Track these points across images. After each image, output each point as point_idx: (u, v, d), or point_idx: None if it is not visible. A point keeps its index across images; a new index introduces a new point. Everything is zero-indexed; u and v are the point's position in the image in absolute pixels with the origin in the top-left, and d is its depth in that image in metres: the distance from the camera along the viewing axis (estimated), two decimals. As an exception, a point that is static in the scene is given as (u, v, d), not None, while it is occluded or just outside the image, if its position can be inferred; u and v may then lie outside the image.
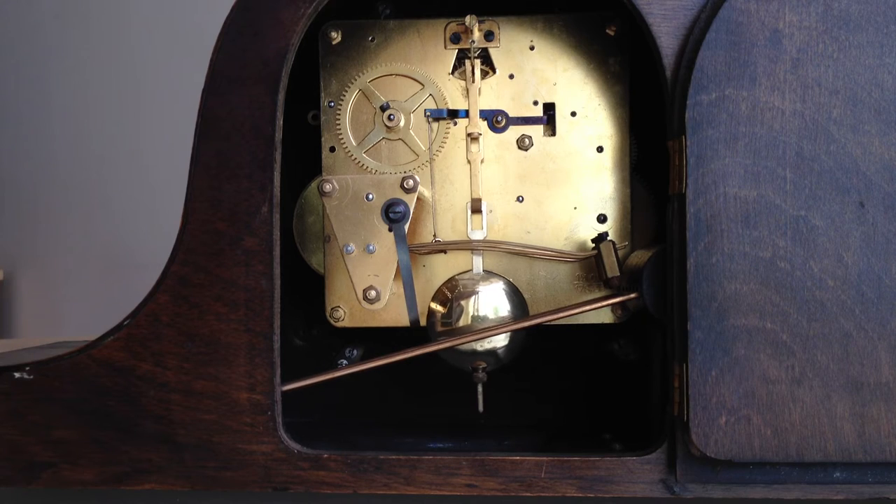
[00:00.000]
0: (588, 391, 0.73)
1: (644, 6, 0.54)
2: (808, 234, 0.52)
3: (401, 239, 0.63)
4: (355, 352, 0.71)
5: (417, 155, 0.66)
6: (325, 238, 0.67)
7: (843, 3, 0.52)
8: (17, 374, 0.59)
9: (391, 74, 0.66)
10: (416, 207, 0.64)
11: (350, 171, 0.66)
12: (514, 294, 0.65)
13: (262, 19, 0.57)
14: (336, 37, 0.66)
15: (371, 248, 0.64)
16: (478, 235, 0.65)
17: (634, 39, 0.63)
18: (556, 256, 0.65)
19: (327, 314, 0.67)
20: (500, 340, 0.64)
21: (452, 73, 0.66)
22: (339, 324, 0.67)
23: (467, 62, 0.65)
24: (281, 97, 0.56)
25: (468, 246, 0.65)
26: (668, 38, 0.54)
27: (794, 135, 0.52)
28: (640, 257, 0.62)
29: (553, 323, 0.63)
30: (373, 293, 0.64)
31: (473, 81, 0.65)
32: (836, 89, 0.52)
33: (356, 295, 0.64)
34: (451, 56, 0.66)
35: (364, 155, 0.66)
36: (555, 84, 0.65)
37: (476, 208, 0.65)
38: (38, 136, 1.85)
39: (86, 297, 1.82)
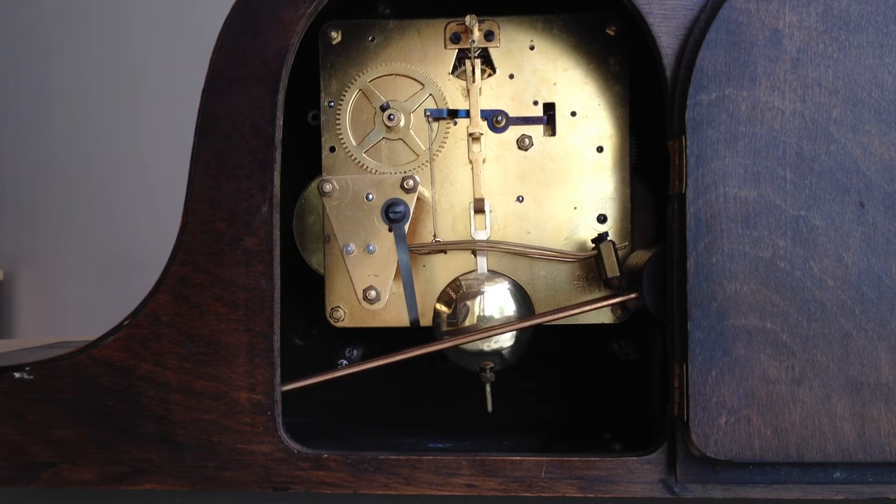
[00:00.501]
0: (588, 391, 0.73)
1: (644, 6, 0.54)
2: (808, 234, 0.52)
3: (401, 239, 0.63)
4: (355, 352, 0.71)
5: (417, 155, 0.66)
6: (325, 238, 0.67)
7: (843, 3, 0.52)
8: (17, 374, 0.59)
9: (391, 74, 0.66)
10: (416, 207, 0.64)
11: (350, 171, 0.66)
12: (520, 293, 0.65)
13: (262, 19, 0.57)
14: (336, 37, 0.66)
15: (371, 248, 0.64)
16: (481, 235, 0.65)
17: (634, 39, 0.63)
18: (556, 256, 0.65)
19: (327, 314, 0.67)
20: (506, 340, 0.64)
21: (452, 73, 0.66)
22: (339, 324, 0.67)
23: (467, 62, 0.65)
24: (281, 97, 0.56)
25: (468, 246, 0.65)
26: (668, 38, 0.54)
27: (794, 135, 0.52)
28: (640, 257, 0.62)
29: (553, 323, 0.63)
30: (373, 293, 0.64)
31: (474, 81, 0.65)
32: (836, 89, 0.52)
33: (356, 295, 0.64)
34: (451, 56, 0.66)
35: (364, 155, 0.66)
36: (555, 84, 0.65)
37: (479, 208, 0.65)
38: (38, 136, 1.85)
39: (86, 297, 1.82)
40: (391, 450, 0.58)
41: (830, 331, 0.52)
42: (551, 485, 0.56)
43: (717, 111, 0.52)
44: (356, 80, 0.66)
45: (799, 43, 0.52)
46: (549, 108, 0.66)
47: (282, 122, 0.57)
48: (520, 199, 0.66)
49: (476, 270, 0.66)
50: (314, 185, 0.69)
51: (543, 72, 0.65)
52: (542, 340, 0.70)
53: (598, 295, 0.65)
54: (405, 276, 0.64)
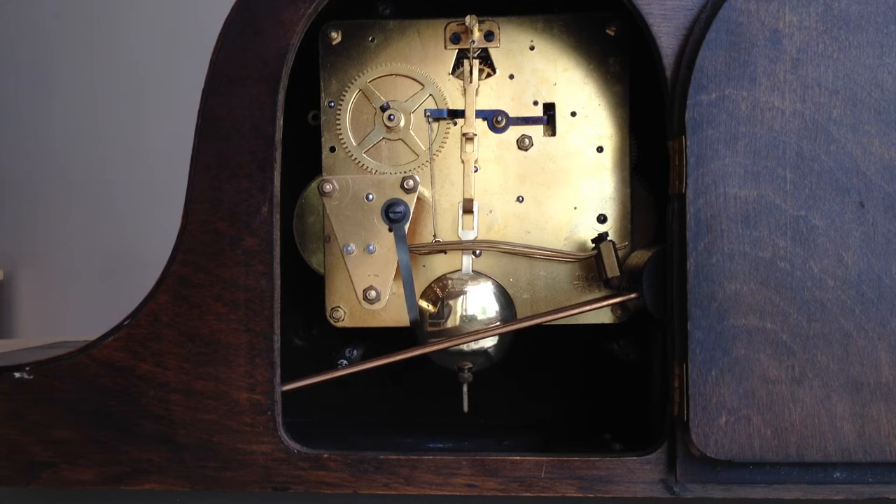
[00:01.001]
0: (588, 391, 0.73)
1: (644, 6, 0.54)
2: (808, 234, 0.52)
3: (401, 239, 0.63)
4: (355, 352, 0.71)
5: (417, 155, 0.66)
6: (325, 238, 0.67)
7: (843, 3, 0.52)
8: (17, 374, 0.59)
9: (391, 74, 0.66)
10: (416, 207, 0.64)
11: (350, 171, 0.66)
12: (502, 295, 0.65)
13: (262, 19, 0.57)
14: (336, 37, 0.66)
15: (371, 248, 0.64)
16: (468, 236, 0.65)
17: (634, 39, 0.63)
18: (556, 256, 0.65)
19: (327, 314, 0.67)
20: (488, 340, 0.64)
21: (452, 73, 0.66)
22: (339, 324, 0.67)
23: (466, 62, 0.65)
24: (281, 97, 0.56)
25: (468, 246, 0.65)
26: (668, 38, 0.54)
27: (794, 135, 0.52)
28: (640, 257, 0.62)
29: (553, 323, 0.63)
30: (373, 293, 0.64)
31: (471, 82, 0.65)
32: (836, 89, 0.52)
33: (356, 295, 0.64)
34: (452, 56, 0.66)
35: (364, 155, 0.66)
36: (555, 84, 0.65)
37: (468, 208, 0.65)
38: (39, 136, 1.85)
39: (86, 297, 1.82)
40: (391, 450, 0.58)
41: (830, 331, 0.52)
42: (551, 485, 0.56)
43: (717, 111, 0.52)
44: (356, 80, 0.66)
45: (799, 43, 0.52)
46: (549, 109, 0.66)
47: (282, 122, 0.57)
48: (520, 199, 0.66)
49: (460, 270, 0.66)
50: (314, 185, 0.69)
51: (543, 72, 0.65)
52: (542, 340, 0.71)
53: (598, 295, 0.65)
54: (405, 276, 0.64)
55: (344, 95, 0.66)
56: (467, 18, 0.64)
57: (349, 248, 0.64)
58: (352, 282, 0.64)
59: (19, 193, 1.86)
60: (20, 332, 1.87)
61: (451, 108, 0.66)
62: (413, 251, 0.65)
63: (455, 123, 0.66)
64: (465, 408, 0.65)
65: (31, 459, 0.59)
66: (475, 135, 0.65)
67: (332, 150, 0.67)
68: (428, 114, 0.65)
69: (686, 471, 0.55)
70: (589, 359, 0.73)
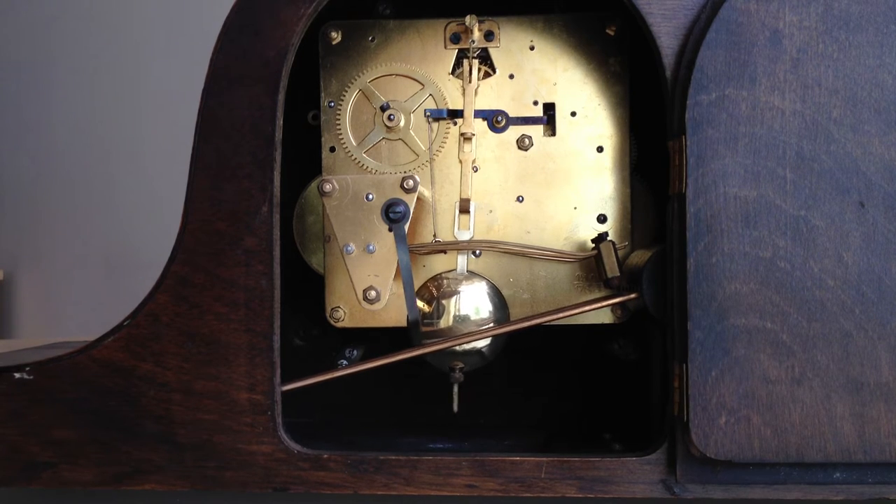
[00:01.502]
0: (588, 391, 0.73)
1: (644, 6, 0.54)
2: (808, 234, 0.52)
3: (401, 239, 0.63)
4: (355, 352, 0.71)
5: (417, 155, 0.66)
6: (325, 238, 0.67)
7: (843, 3, 0.52)
8: (17, 374, 0.59)
9: (391, 74, 0.66)
10: (416, 207, 0.64)
11: (350, 171, 0.66)
12: (496, 295, 0.65)
13: (262, 19, 0.57)
14: (336, 37, 0.66)
15: (371, 248, 0.64)
16: (464, 236, 0.65)
17: (634, 39, 0.63)
18: (556, 256, 0.65)
19: (327, 314, 0.67)
20: (479, 340, 0.64)
21: (452, 73, 0.66)
22: (339, 324, 0.67)
23: (465, 62, 0.65)
24: (281, 97, 0.56)
25: (468, 246, 0.65)
26: (668, 38, 0.54)
27: (794, 135, 0.52)
28: (640, 257, 0.62)
29: (553, 323, 0.63)
30: (373, 293, 0.64)
31: (470, 82, 0.65)
32: (836, 89, 0.52)
33: (356, 295, 0.64)
34: (452, 56, 0.66)
35: (364, 155, 0.66)
36: (555, 84, 0.65)
37: (464, 208, 0.65)
38: (39, 137, 1.85)
39: (86, 297, 1.82)
40: (391, 450, 0.58)
41: (830, 331, 0.52)
42: (551, 485, 0.56)
43: (717, 111, 0.52)
44: (356, 80, 0.66)
45: (799, 43, 0.52)
46: (549, 108, 0.66)
47: (282, 122, 0.57)
48: (520, 199, 0.66)
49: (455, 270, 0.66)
50: (314, 185, 0.69)
51: (543, 72, 0.65)
52: (542, 340, 0.70)
53: (598, 295, 0.65)
54: (405, 276, 0.64)
55: (344, 95, 0.66)
56: (467, 18, 0.64)
57: (349, 248, 0.64)
58: (352, 282, 0.64)
59: (19, 193, 1.86)
60: (20, 332, 1.87)
61: (450, 108, 0.66)
62: (413, 251, 0.65)
63: (455, 123, 0.66)
64: (455, 408, 0.65)
65: (31, 459, 0.59)
66: (473, 135, 0.65)
67: (332, 150, 0.67)
68: (428, 114, 0.65)
69: (686, 471, 0.55)
70: (589, 359, 0.73)
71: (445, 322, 0.64)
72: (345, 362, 0.70)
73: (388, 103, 0.65)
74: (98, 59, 1.81)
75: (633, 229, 0.66)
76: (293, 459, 0.57)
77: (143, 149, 1.79)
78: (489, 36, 0.66)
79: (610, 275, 0.62)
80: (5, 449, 0.59)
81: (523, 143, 0.65)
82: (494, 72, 0.66)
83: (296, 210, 0.70)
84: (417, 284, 0.66)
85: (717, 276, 0.52)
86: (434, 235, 0.66)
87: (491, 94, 0.66)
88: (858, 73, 0.52)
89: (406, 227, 0.63)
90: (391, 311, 0.66)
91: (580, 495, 0.56)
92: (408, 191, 0.63)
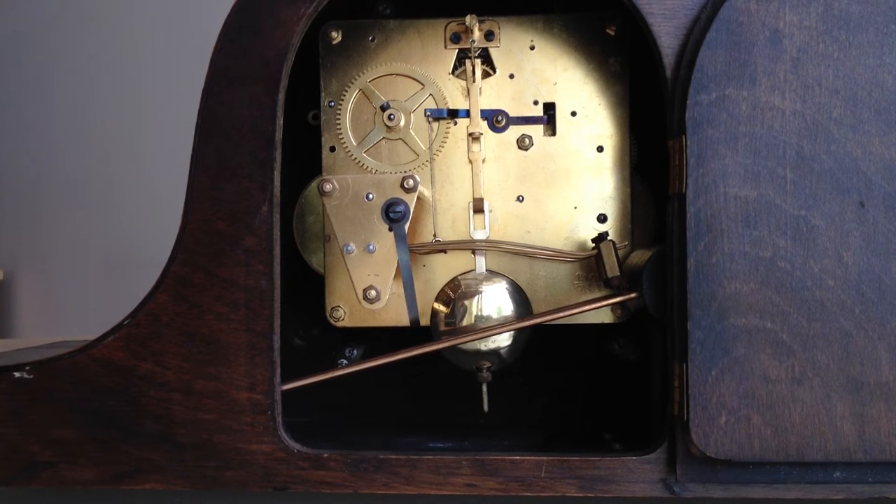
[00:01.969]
0: (588, 391, 0.73)
1: (644, 6, 0.54)
2: (808, 233, 0.52)
3: (401, 239, 0.63)
4: (355, 352, 0.71)
5: (417, 155, 0.66)
6: (325, 238, 0.67)
7: (843, 3, 0.52)
8: (17, 374, 0.59)
9: (391, 74, 0.66)
10: (416, 207, 0.64)
11: (350, 171, 0.66)
12: (518, 293, 0.65)
13: (262, 19, 0.57)
14: (336, 37, 0.66)
15: (371, 247, 0.64)
16: (480, 235, 0.65)
17: (634, 39, 0.63)
18: (556, 256, 0.65)
19: (327, 314, 0.67)
20: (503, 340, 0.64)
21: (453, 72, 0.66)
22: (339, 324, 0.67)
23: (468, 62, 0.65)
24: (281, 97, 0.56)
25: (468, 246, 0.65)
26: (668, 38, 0.54)
27: (794, 135, 0.52)
28: (640, 257, 0.62)
29: (553, 323, 0.63)
30: (373, 293, 0.64)
31: (474, 81, 0.65)
32: (837, 89, 0.52)
33: (356, 295, 0.64)
34: (452, 56, 0.66)
35: (364, 155, 0.66)
36: (555, 84, 0.65)
37: (478, 208, 0.65)
38: (39, 137, 1.85)
39: (86, 297, 1.82)
40: (391, 450, 0.58)
41: (830, 331, 0.52)
42: (551, 485, 0.56)
43: (717, 111, 0.52)
44: (356, 80, 0.66)
45: (799, 43, 0.52)
46: (550, 108, 0.66)
47: (282, 122, 0.57)
48: (520, 199, 0.66)
49: (475, 270, 0.66)
50: (314, 185, 0.69)
51: (543, 72, 0.65)
52: (542, 340, 0.70)
53: (598, 295, 0.65)
54: (405, 276, 0.64)
55: (344, 95, 0.66)
56: (467, 18, 0.64)
57: (349, 248, 0.64)
58: (352, 282, 0.64)
59: (19, 193, 1.86)
60: (20, 332, 1.87)
61: (451, 107, 0.66)
62: (413, 251, 0.65)
63: (455, 123, 0.66)
64: (486, 407, 0.65)
65: (31, 459, 0.59)
66: (482, 134, 0.65)
67: (332, 149, 0.67)
68: (428, 113, 0.65)
69: (686, 470, 0.55)
70: (589, 358, 0.73)
71: (468, 321, 0.64)
72: (345, 362, 0.70)
73: (388, 103, 0.65)
74: (98, 59, 1.81)
75: (633, 229, 0.66)
76: (293, 459, 0.57)
77: (143, 149, 1.79)
78: (489, 36, 0.66)
79: (610, 275, 0.62)
80: (5, 449, 0.59)
81: (523, 143, 0.65)
82: (494, 72, 0.66)
83: (296, 210, 0.70)
84: (417, 284, 0.66)
85: (717, 276, 0.52)
86: (434, 235, 0.66)
87: (491, 93, 0.66)
88: (858, 73, 0.52)
89: (406, 226, 0.63)
90: (391, 310, 0.66)
91: (580, 494, 0.56)
92: (408, 190, 0.63)
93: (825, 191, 0.52)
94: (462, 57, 0.66)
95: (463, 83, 0.66)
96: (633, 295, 0.59)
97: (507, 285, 0.65)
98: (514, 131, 0.66)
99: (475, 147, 0.65)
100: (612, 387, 0.72)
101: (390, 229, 0.63)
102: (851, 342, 0.52)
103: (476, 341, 0.63)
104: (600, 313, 0.66)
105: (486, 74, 0.66)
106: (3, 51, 1.85)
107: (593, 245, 0.64)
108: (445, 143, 0.66)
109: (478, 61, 0.65)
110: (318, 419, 0.73)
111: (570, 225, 0.66)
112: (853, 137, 0.52)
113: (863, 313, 0.52)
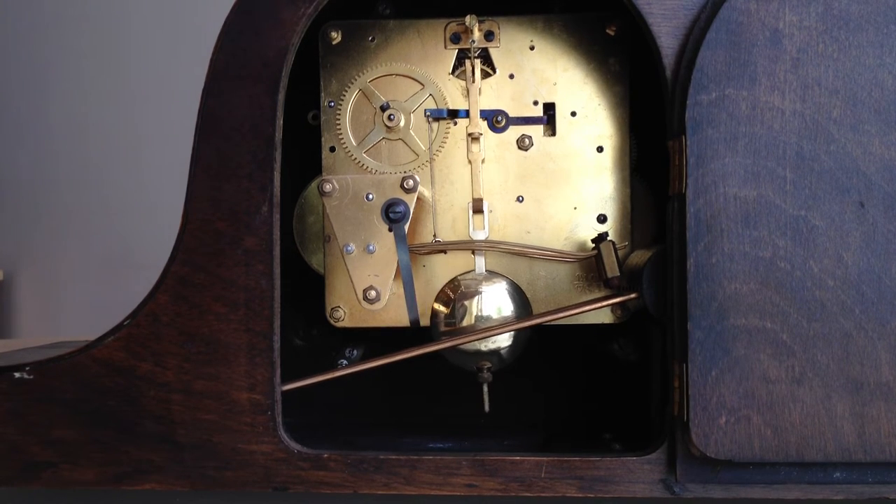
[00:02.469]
0: (588, 391, 0.73)
1: (644, 6, 0.54)
2: (808, 234, 0.52)
3: (401, 239, 0.63)
4: (355, 352, 0.71)
5: (417, 155, 0.66)
6: (325, 238, 0.67)
7: (843, 3, 0.52)
8: (17, 374, 0.59)
9: (391, 74, 0.66)
10: (416, 207, 0.64)
11: (350, 171, 0.66)
12: (517, 293, 0.65)
13: (262, 19, 0.57)
14: (336, 37, 0.66)
15: (371, 248, 0.64)
16: (480, 235, 0.65)
17: (634, 39, 0.63)
18: (556, 256, 0.65)
19: (327, 314, 0.67)
20: (503, 340, 0.64)
21: (452, 73, 0.66)
22: (339, 324, 0.67)
23: (467, 62, 0.65)
24: (281, 97, 0.56)
25: (468, 246, 0.65)
26: (668, 38, 0.54)
27: (794, 135, 0.52)
28: (640, 257, 0.62)
29: (553, 323, 0.63)
30: (373, 293, 0.64)
31: (474, 81, 0.65)
32: (836, 89, 0.52)
33: (356, 295, 0.64)
34: (451, 56, 0.66)
35: (364, 155, 0.66)
36: (555, 84, 0.65)
37: (478, 208, 0.65)
38: (38, 137, 1.85)
39: (86, 297, 1.82)
40: (391, 450, 0.58)
41: (830, 331, 0.52)
42: (551, 485, 0.56)
43: (717, 111, 0.52)
44: (356, 80, 0.66)
45: (799, 43, 0.52)
46: (549, 108, 0.66)
47: (282, 122, 0.57)
48: (520, 199, 0.66)
49: (474, 270, 0.66)
50: (314, 185, 0.69)
51: (543, 72, 0.65)
52: (542, 340, 0.70)
53: (598, 295, 0.65)
54: (405, 276, 0.64)
55: (344, 95, 0.66)
56: (467, 18, 0.64)
57: (349, 248, 0.64)
58: (352, 282, 0.64)
59: (19, 193, 1.86)
60: (20, 332, 1.87)
61: (451, 108, 0.66)
62: (413, 251, 0.65)
63: (455, 123, 0.66)
64: (487, 407, 0.65)
65: (31, 459, 0.59)
66: (481, 134, 0.65)
67: (332, 150, 0.67)
68: (428, 114, 0.65)
69: (686, 471, 0.55)
70: (589, 359, 0.73)
71: (468, 322, 0.64)
72: (345, 362, 0.70)
73: (388, 103, 0.65)
74: (98, 60, 1.81)
75: (633, 229, 0.66)
76: (293, 459, 0.57)
77: (143, 149, 1.79)
78: (489, 36, 0.66)
79: (610, 275, 0.62)
80: (5, 449, 0.59)
81: (523, 143, 0.65)
82: (494, 72, 0.66)
83: (296, 210, 0.70)
84: (417, 284, 0.66)
85: (717, 276, 0.52)
86: (434, 235, 0.66)
87: (491, 94, 0.66)
88: (858, 73, 0.52)
89: (406, 227, 0.63)
90: (391, 311, 0.66)
91: (580, 495, 0.56)
92: (408, 191, 0.63)
93: (825, 191, 0.52)
94: (462, 57, 0.66)
95: (463, 83, 0.66)
96: (633, 295, 0.59)
97: (506, 286, 0.65)
98: (514, 131, 0.66)
99: (475, 147, 0.65)
100: (612, 387, 0.72)
101: (390, 229, 0.63)
102: (851, 342, 0.52)
103: (476, 342, 0.63)
104: (600, 313, 0.66)
105: (485, 74, 0.66)
106: (3, 51, 1.85)
107: (593, 245, 0.64)
108: (445, 143, 0.66)
109: (477, 61, 0.65)
110: (318, 420, 0.73)
111: (569, 225, 0.66)
112: (853, 137, 0.52)
113: (863, 313, 0.52)
